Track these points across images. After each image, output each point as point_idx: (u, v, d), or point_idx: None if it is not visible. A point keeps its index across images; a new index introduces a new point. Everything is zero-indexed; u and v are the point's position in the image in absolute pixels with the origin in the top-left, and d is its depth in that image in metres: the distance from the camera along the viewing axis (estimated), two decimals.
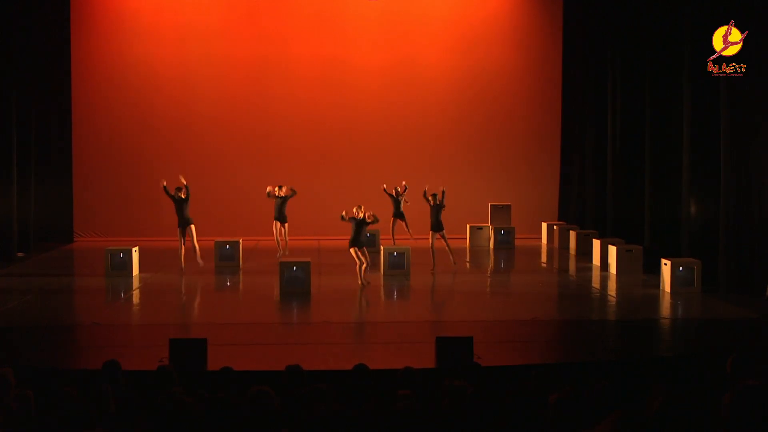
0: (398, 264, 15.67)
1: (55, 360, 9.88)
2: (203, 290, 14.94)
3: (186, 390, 5.91)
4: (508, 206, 20.52)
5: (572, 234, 18.89)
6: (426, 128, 21.44)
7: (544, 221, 20.98)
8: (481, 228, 20.01)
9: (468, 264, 17.47)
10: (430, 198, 15.93)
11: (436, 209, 15.85)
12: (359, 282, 14.28)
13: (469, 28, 21.48)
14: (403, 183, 18.11)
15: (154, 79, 20.93)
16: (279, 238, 17.49)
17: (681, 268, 13.96)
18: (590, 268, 16.74)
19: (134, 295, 14.23)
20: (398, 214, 18.25)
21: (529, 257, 18.56)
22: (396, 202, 18.02)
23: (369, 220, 14.30)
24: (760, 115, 13.46)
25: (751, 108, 13.47)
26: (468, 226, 20.03)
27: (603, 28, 19.46)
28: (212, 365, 9.07)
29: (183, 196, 15.76)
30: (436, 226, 15.85)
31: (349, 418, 5.23)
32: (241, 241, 16.96)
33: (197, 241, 15.85)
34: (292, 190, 17.48)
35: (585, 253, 17.94)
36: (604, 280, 15.54)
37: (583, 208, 20.80)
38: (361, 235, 14.38)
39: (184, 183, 15.92)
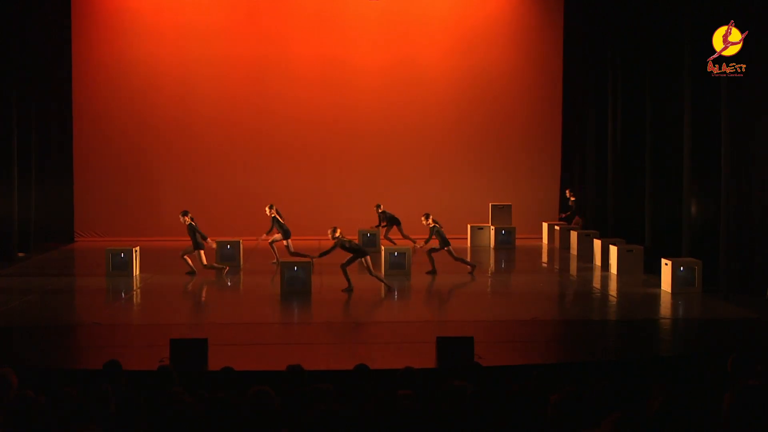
0: (399, 264, 15.71)
1: (56, 360, 9.88)
2: (203, 290, 14.96)
3: (186, 390, 5.91)
4: (509, 206, 20.51)
5: (573, 234, 18.90)
6: (426, 128, 21.43)
7: (545, 221, 21.01)
8: (481, 228, 20.02)
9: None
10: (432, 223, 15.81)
11: (436, 230, 15.74)
12: (383, 285, 14.26)
13: (470, 29, 21.48)
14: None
15: (155, 79, 20.94)
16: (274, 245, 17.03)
17: (681, 268, 13.96)
18: (591, 268, 16.75)
19: (135, 295, 14.24)
20: (393, 221, 18.46)
21: (530, 257, 18.58)
22: (387, 218, 18.51)
23: (347, 246, 14.19)
24: (760, 115, 13.45)
25: (751, 108, 13.46)
26: (469, 226, 20.04)
27: (603, 28, 19.46)
28: (213, 365, 9.08)
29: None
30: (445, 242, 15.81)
31: (349, 418, 5.22)
32: (241, 241, 16.95)
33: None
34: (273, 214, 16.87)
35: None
36: (604, 280, 15.55)
37: (583, 208, 20.80)
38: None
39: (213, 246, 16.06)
